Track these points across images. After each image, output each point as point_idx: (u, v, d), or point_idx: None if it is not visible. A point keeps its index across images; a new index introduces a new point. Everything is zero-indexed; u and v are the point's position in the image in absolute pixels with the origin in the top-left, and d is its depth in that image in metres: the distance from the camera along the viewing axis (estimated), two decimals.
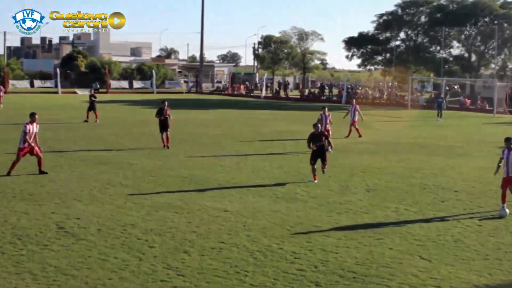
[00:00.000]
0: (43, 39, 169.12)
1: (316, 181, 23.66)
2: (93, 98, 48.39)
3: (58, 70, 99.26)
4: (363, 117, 40.77)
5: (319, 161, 24.02)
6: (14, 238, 15.90)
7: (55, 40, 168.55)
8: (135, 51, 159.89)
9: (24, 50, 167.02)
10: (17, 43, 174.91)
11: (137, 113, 58.12)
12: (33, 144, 24.67)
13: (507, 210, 19.02)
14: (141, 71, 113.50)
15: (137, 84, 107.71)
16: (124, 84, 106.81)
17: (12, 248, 15.07)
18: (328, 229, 17.46)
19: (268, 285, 12.93)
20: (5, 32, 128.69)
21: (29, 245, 15.34)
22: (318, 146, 23.62)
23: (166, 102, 33.63)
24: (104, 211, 18.95)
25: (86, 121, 46.79)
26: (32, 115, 25.34)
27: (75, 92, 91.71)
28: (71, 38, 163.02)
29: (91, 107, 47.76)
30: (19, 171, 24.90)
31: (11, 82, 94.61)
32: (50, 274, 13.33)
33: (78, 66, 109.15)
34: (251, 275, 13.50)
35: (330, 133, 32.12)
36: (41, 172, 24.72)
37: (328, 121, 32.63)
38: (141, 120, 48.78)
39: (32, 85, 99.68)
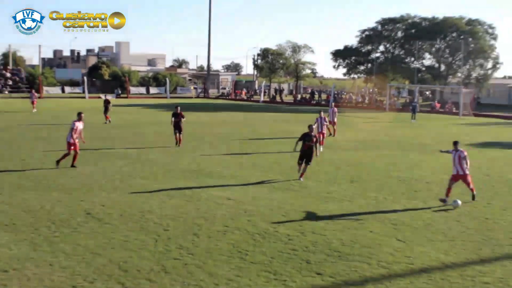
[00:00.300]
0: (72, 51, 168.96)
1: (301, 180, 22.82)
2: (106, 104, 48.35)
3: (85, 78, 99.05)
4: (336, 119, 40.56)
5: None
6: (49, 222, 15.98)
7: (83, 52, 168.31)
8: (151, 62, 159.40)
9: (56, 61, 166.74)
10: (50, 55, 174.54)
11: (153, 115, 58.04)
12: (77, 140, 24.86)
13: (459, 201, 18.99)
14: (156, 79, 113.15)
15: (153, 90, 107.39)
16: (142, 90, 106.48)
17: (47, 231, 15.16)
18: (318, 215, 17.53)
19: (266, 263, 13.01)
20: (39, 46, 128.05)
21: (62, 228, 15.43)
22: (308, 146, 22.75)
23: (179, 107, 33.26)
24: (125, 199, 19.01)
25: (105, 122, 46.65)
26: (79, 114, 25.63)
27: (99, 97, 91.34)
28: (96, 51, 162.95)
29: (106, 110, 47.60)
30: (52, 165, 24.98)
31: (45, 88, 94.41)
32: (79, 252, 13.43)
33: (102, 75, 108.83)
34: (251, 254, 13.59)
35: (325, 136, 32.01)
36: (73, 165, 24.81)
37: (324, 123, 32.31)
38: (157, 121, 48.72)
39: (63, 91, 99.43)
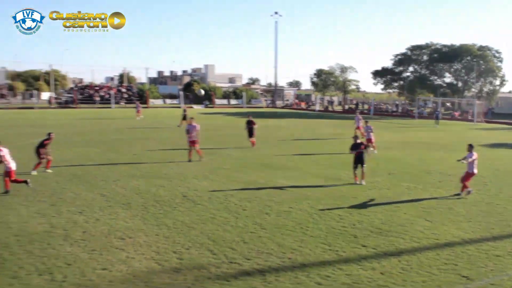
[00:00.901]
0: (171, 72, 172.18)
1: (357, 182, 20.41)
2: (185, 112, 47.59)
3: (181, 92, 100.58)
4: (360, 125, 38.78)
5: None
6: (155, 202, 16.22)
7: (179, 73, 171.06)
8: (231, 80, 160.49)
9: (159, 80, 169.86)
10: (154, 75, 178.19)
11: (233, 121, 58.33)
12: (195, 139, 25.74)
13: (202, 91, 18.27)
14: (235, 93, 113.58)
15: (233, 101, 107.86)
16: (224, 101, 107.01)
17: (153, 209, 15.38)
18: (363, 200, 17.32)
19: (322, 237, 12.91)
20: (147, 68, 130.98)
21: (164, 207, 15.64)
22: (358, 153, 20.41)
23: (250, 116, 33.04)
24: (212, 186, 19.14)
25: (179, 126, 45.57)
26: (191, 118, 27.79)
27: (191, 107, 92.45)
28: (189, 71, 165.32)
29: (184, 117, 45.89)
30: (156, 159, 25.34)
31: (151, 100, 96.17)
32: (178, 226, 13.58)
33: (194, 90, 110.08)
34: (310, 230, 13.50)
35: (373, 140, 30.64)
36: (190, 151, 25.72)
37: (370, 131, 31.19)
38: (236, 126, 48.95)
39: (164, 102, 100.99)
